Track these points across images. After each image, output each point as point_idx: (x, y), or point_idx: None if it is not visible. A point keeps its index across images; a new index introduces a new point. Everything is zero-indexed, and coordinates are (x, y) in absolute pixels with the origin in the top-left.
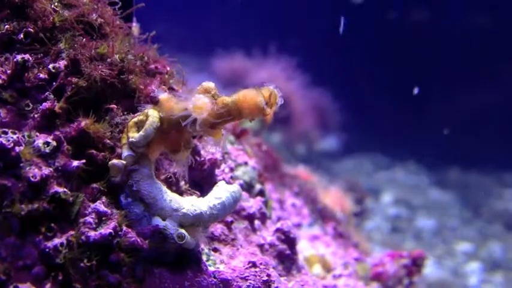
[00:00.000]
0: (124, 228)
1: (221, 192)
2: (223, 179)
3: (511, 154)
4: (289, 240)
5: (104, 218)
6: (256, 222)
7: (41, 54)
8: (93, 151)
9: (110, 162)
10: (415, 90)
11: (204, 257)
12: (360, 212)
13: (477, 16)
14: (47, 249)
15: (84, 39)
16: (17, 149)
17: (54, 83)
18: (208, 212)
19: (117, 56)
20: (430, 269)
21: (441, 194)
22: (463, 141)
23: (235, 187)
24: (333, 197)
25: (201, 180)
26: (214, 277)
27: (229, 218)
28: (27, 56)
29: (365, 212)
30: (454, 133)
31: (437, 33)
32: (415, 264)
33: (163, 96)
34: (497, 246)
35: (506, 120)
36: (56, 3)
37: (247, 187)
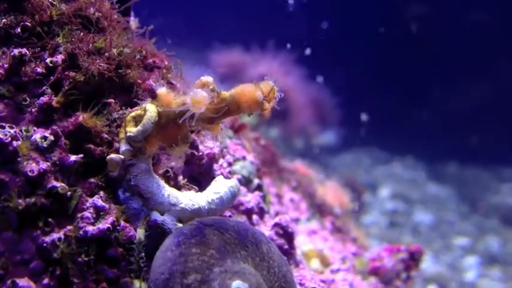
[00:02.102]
0: (122, 222)
1: (219, 187)
2: (222, 174)
3: (509, 149)
4: (287, 235)
5: (101, 213)
6: (254, 217)
7: (39, 48)
8: (91, 145)
9: (107, 157)
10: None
11: None
12: (357, 207)
13: (475, 12)
14: (45, 244)
15: (81, 33)
16: (15, 143)
17: (51, 77)
18: (206, 207)
19: (114, 50)
20: (427, 264)
21: (439, 189)
22: (460, 136)
23: (233, 182)
24: (331, 192)
25: (199, 175)
26: None
27: (227, 213)
28: (24, 50)
29: (363, 207)
30: (452, 128)
31: (435, 28)
32: (413, 259)
33: (161, 90)
34: (495, 241)
35: (503, 115)
36: None
37: (246, 182)
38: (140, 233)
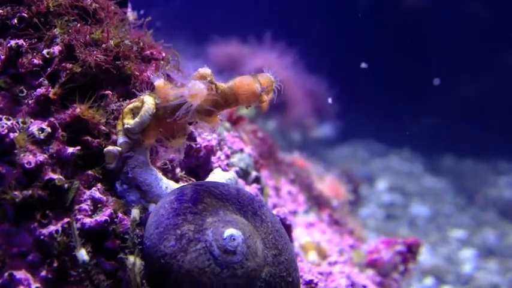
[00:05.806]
0: (120, 215)
1: (217, 179)
2: (219, 166)
3: (506, 141)
4: (285, 227)
5: (99, 205)
6: None
7: (35, 40)
8: (88, 138)
9: (105, 149)
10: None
11: None
12: (354, 199)
13: (475, 3)
14: (42, 236)
15: (78, 25)
16: (12, 135)
17: (48, 69)
18: None
19: (112, 42)
20: (424, 256)
21: (435, 181)
22: (457, 129)
23: (231, 174)
24: (328, 184)
25: (197, 167)
26: None
27: None
28: (21, 42)
29: (360, 199)
30: (449, 120)
31: (433, 20)
32: (411, 251)
33: (159, 82)
34: (491, 233)
35: (501, 107)
36: None
37: (243, 174)
38: (135, 213)
